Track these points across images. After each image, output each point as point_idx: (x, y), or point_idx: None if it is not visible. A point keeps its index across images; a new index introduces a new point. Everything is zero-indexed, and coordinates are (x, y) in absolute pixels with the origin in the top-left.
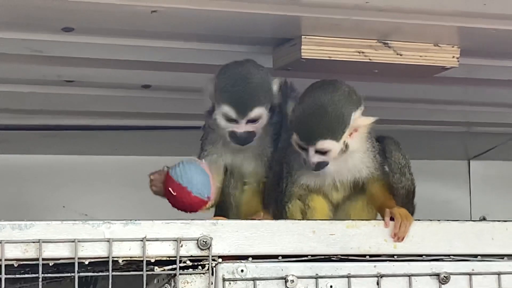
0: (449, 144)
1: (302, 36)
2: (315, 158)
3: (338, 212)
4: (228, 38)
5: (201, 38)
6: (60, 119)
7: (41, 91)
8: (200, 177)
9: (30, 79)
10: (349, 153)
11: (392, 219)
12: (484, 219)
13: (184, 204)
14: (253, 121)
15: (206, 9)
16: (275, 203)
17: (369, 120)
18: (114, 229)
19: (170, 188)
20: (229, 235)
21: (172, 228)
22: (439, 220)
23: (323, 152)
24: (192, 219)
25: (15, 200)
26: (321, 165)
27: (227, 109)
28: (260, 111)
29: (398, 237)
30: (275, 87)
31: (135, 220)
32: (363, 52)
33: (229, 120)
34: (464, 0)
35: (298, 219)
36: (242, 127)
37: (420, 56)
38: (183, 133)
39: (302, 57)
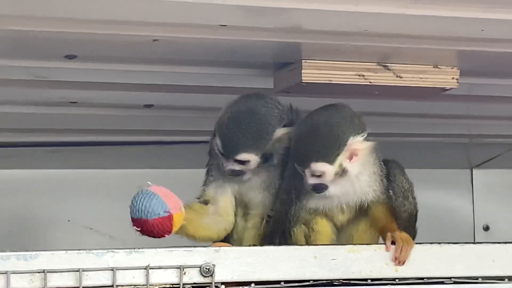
0: (452, 153)
1: (302, 60)
2: (311, 180)
3: (341, 234)
4: (229, 63)
5: (202, 63)
6: (65, 136)
7: (46, 112)
8: (147, 200)
9: (35, 100)
10: (355, 176)
11: (393, 243)
12: (487, 227)
13: (153, 232)
14: (241, 162)
15: (207, 37)
16: (280, 232)
17: (367, 144)
18: (117, 258)
19: (135, 227)
20: (232, 261)
21: (175, 255)
22: (439, 243)
23: (318, 175)
24: (194, 246)
25: (20, 214)
26: (318, 187)
27: (218, 143)
28: (247, 157)
29: (399, 261)
30: (279, 132)
31: (139, 249)
32: (363, 75)
33: (220, 153)
34: (463, 26)
35: (301, 245)
36: (229, 164)
37: (420, 78)
38: (186, 147)
39: (303, 81)
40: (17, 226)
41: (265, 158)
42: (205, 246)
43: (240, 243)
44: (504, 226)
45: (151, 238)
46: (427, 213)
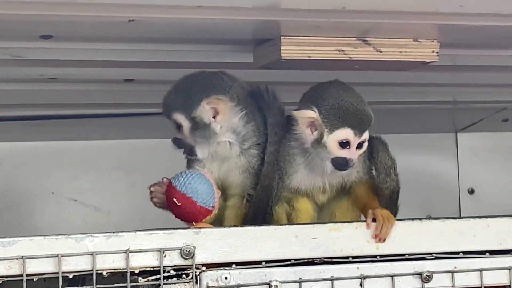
0: (436, 117)
1: (282, 37)
2: (357, 153)
3: (323, 212)
4: (208, 40)
5: (179, 41)
6: (46, 110)
7: (25, 88)
8: (205, 186)
9: (13, 78)
10: None
11: (374, 220)
12: (472, 191)
13: (189, 214)
14: (177, 127)
15: (184, 17)
16: (262, 212)
17: None
18: (97, 242)
19: (174, 199)
20: (212, 243)
21: (155, 238)
22: (420, 219)
23: (361, 145)
24: (174, 229)
25: (3, 187)
26: (354, 163)
27: (162, 104)
28: (178, 117)
29: (379, 238)
30: (213, 98)
31: (118, 233)
32: (342, 50)
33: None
34: (441, 2)
35: (282, 224)
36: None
37: (400, 52)
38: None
39: (282, 57)
40: (1, 200)
41: (196, 125)
42: (185, 228)
43: (220, 223)
44: (489, 189)
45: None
46: (412, 178)
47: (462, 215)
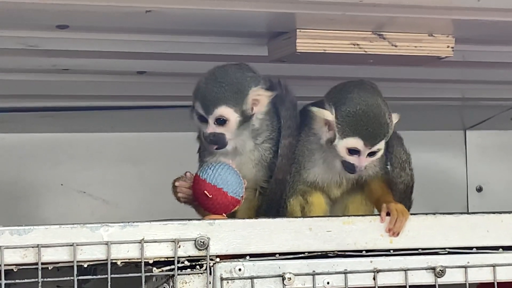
0: (445, 115)
1: (297, 30)
2: (366, 161)
3: (336, 206)
4: (223, 32)
5: (195, 32)
6: (57, 102)
7: (37, 79)
8: (234, 177)
9: (26, 68)
10: None
11: (388, 214)
12: (480, 188)
13: (221, 205)
14: (221, 122)
15: (200, 8)
16: (276, 204)
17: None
18: (112, 231)
19: (205, 191)
20: (226, 234)
21: (169, 229)
22: (434, 214)
23: (372, 154)
24: (189, 220)
25: (13, 178)
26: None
27: (197, 105)
28: (226, 111)
29: (393, 232)
30: (255, 90)
31: (133, 222)
32: (357, 44)
33: (200, 118)
34: None
35: (295, 217)
36: (210, 128)
37: (415, 46)
38: (179, 112)
39: (297, 51)
40: (10, 191)
41: (244, 118)
42: (199, 219)
43: (233, 216)
44: (497, 187)
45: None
46: (421, 175)
47: None
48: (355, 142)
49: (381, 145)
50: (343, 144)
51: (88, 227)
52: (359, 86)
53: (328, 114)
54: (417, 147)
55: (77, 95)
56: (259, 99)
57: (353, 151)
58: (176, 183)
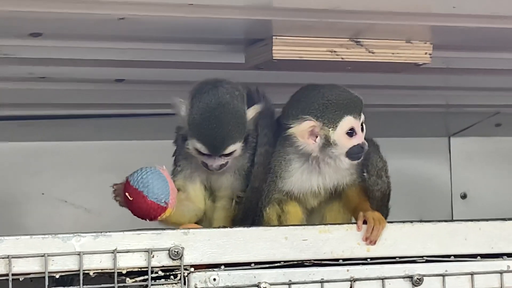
0: (429, 121)
1: (273, 37)
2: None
3: (313, 215)
4: (198, 40)
5: (170, 40)
6: (36, 110)
7: (15, 87)
8: (157, 182)
9: (3, 77)
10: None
11: (365, 222)
12: (465, 195)
13: (141, 209)
14: (227, 155)
15: (175, 15)
16: (252, 213)
17: None
18: (84, 242)
19: (127, 193)
20: (201, 244)
21: (143, 238)
22: (411, 222)
23: (362, 128)
24: (163, 229)
25: None
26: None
27: (199, 146)
28: (234, 147)
29: (370, 240)
30: (250, 113)
31: (105, 232)
32: (335, 51)
33: (202, 154)
34: (435, 3)
35: (271, 225)
36: (215, 161)
37: (393, 53)
38: (160, 120)
39: (274, 58)
40: None
41: (246, 141)
42: (173, 228)
43: (209, 224)
44: (482, 194)
45: (126, 215)
46: (405, 182)
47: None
48: (348, 121)
49: (362, 115)
50: (340, 132)
51: (60, 237)
52: (306, 87)
53: (309, 123)
54: (401, 154)
55: (56, 103)
56: (253, 117)
57: (350, 133)
58: (114, 186)
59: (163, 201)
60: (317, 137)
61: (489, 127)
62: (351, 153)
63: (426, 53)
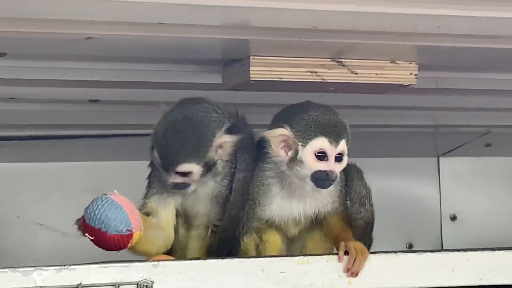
0: (418, 141)
1: (251, 57)
2: (336, 167)
3: (293, 244)
4: (173, 60)
5: (143, 60)
6: (9, 131)
7: None
8: (112, 213)
9: None
10: None
11: (347, 253)
12: (454, 217)
13: (106, 244)
14: (184, 174)
15: (145, 35)
16: (228, 243)
17: None
18: (46, 276)
19: (86, 234)
20: (172, 277)
21: (109, 272)
22: (395, 252)
23: (339, 158)
24: (131, 261)
25: None
26: (336, 177)
27: (156, 156)
28: (188, 167)
29: (352, 272)
30: (221, 139)
31: (69, 266)
32: (315, 72)
33: (159, 166)
34: (419, 23)
35: (248, 256)
36: (171, 178)
37: (376, 74)
38: (138, 140)
39: (251, 79)
40: None
41: (208, 167)
42: (142, 261)
43: (183, 254)
44: (472, 215)
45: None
46: (392, 204)
47: (444, 242)
48: (320, 142)
49: (343, 145)
50: (308, 151)
51: (20, 271)
52: (304, 103)
53: (282, 130)
54: (388, 175)
55: (29, 124)
56: (223, 144)
57: (320, 156)
58: (77, 223)
59: (124, 230)
60: (289, 150)
61: (479, 147)
62: (316, 178)
63: (411, 74)
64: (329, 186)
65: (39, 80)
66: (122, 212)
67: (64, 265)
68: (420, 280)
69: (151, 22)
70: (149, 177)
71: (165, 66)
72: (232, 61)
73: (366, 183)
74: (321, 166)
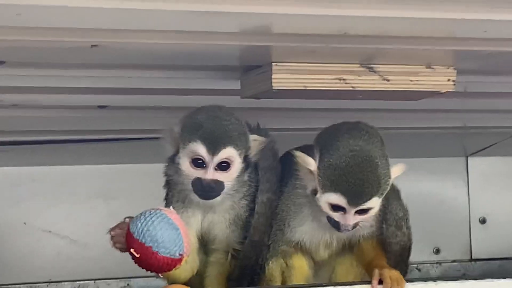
0: (446, 141)
1: (273, 63)
2: (355, 219)
3: (321, 269)
4: (188, 67)
5: (151, 67)
6: (15, 137)
7: None
8: (168, 232)
9: None
10: None
11: (381, 282)
12: (484, 220)
13: (152, 266)
14: (224, 167)
15: (155, 42)
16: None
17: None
18: None
19: (132, 249)
20: None
21: None
22: (435, 281)
23: (364, 211)
24: None
25: None
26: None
27: (195, 146)
28: (232, 153)
29: None
30: (253, 139)
31: None
32: (344, 79)
33: (196, 163)
34: (462, 27)
35: (272, 286)
36: (210, 174)
37: (411, 80)
38: (148, 143)
39: (273, 87)
40: None
41: (246, 165)
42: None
43: (201, 281)
44: (502, 218)
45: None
46: (419, 206)
47: (472, 247)
48: (337, 198)
49: (372, 203)
50: (325, 200)
51: None
52: (352, 132)
53: (311, 163)
54: (415, 176)
55: (35, 131)
56: (253, 145)
57: (336, 208)
58: (112, 232)
59: (177, 253)
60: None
61: (510, 146)
62: (330, 221)
63: (449, 80)
64: (342, 232)
65: (40, 87)
66: (178, 234)
67: None
68: None
69: (168, 29)
70: (165, 199)
71: (177, 73)
72: (251, 67)
73: (403, 203)
74: (336, 216)
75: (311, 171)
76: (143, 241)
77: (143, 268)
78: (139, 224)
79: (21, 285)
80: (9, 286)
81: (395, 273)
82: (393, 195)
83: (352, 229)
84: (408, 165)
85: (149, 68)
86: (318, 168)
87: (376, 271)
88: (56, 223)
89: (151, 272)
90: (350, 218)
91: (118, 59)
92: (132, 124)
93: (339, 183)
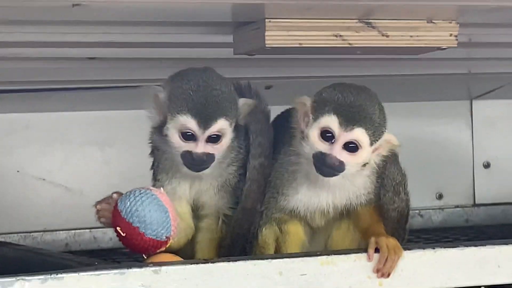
0: (449, 84)
1: (266, 20)
2: (341, 155)
3: (317, 235)
4: (179, 23)
5: (141, 23)
6: (6, 86)
7: None
8: (157, 214)
9: None
10: (353, 175)
11: (378, 250)
12: (488, 164)
13: (137, 246)
14: (215, 139)
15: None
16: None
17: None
18: (29, 286)
19: (118, 228)
20: (176, 284)
21: (103, 280)
22: (433, 248)
23: (352, 148)
24: (129, 267)
25: None
26: (340, 167)
27: (185, 120)
28: (224, 125)
29: (383, 273)
30: (241, 103)
31: (56, 274)
32: (340, 36)
33: (185, 136)
34: None
35: (262, 257)
36: (200, 147)
37: (411, 36)
38: (141, 90)
39: (267, 45)
40: None
41: (236, 133)
42: (141, 266)
43: (192, 247)
44: (507, 163)
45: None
46: (422, 150)
47: (476, 192)
48: (329, 120)
49: (362, 136)
50: (315, 126)
51: (0, 281)
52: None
53: (304, 99)
54: (417, 120)
55: (27, 81)
56: (241, 108)
57: (326, 136)
58: (98, 206)
59: (163, 236)
60: (307, 124)
61: None
62: (316, 160)
63: (451, 35)
64: (329, 175)
65: (27, 42)
66: (167, 216)
67: (50, 274)
68: (462, 279)
69: None
70: (152, 168)
71: (169, 28)
72: (244, 23)
73: (401, 168)
74: (323, 147)
75: (305, 111)
76: (131, 220)
77: (127, 247)
78: (128, 203)
79: (16, 234)
80: (3, 235)
81: (392, 241)
82: (390, 159)
83: (339, 172)
84: (410, 108)
85: (139, 25)
86: (313, 103)
87: (372, 240)
88: (50, 171)
89: (135, 252)
90: (338, 150)
91: (103, 16)
92: (125, 75)
93: (333, 104)
